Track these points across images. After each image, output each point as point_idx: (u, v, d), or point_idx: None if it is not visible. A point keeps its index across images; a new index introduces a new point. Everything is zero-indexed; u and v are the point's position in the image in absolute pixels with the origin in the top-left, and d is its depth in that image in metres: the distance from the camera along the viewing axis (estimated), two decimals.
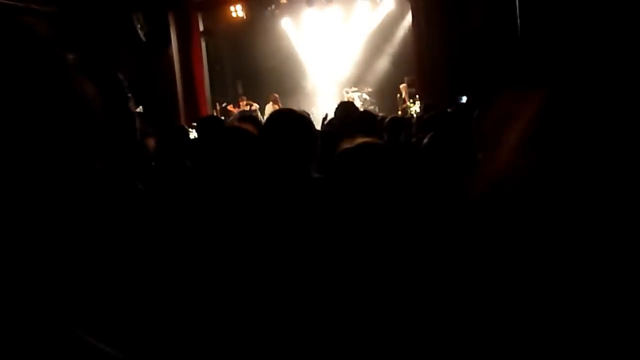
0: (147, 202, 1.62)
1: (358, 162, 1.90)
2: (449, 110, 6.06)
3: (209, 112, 14.63)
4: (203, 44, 14.66)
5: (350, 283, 1.71)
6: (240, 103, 15.22)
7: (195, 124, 12.52)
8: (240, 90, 17.69)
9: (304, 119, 2.14)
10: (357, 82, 17.07)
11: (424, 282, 1.81)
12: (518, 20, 8.74)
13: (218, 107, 15.28)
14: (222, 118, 14.35)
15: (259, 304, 1.67)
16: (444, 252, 1.90)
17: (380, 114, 9.73)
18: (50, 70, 0.64)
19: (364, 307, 1.70)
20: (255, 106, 15.02)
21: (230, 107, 15.29)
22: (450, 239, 2.01)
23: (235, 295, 1.68)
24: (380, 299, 1.73)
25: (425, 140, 3.06)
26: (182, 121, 12.79)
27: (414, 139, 5.20)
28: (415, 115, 12.94)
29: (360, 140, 1.96)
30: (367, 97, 16.13)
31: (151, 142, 3.98)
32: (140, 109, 8.32)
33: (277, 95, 14.35)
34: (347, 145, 1.96)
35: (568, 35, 7.38)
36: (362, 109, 15.06)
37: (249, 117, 6.09)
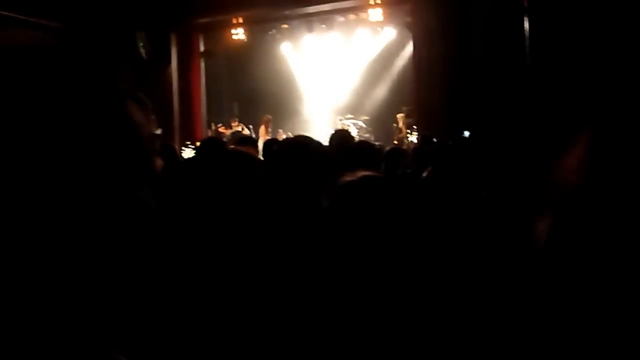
0: (158, 222, 1.66)
1: (360, 194, 1.89)
2: (449, 143, 6.07)
3: (204, 132, 14.66)
4: (202, 65, 14.74)
5: (355, 313, 1.73)
6: (232, 124, 15.26)
7: (188, 142, 12.62)
8: (236, 112, 17.73)
9: (319, 147, 2.16)
10: (354, 109, 17.13)
11: (427, 312, 1.84)
12: (527, 50, 8.71)
13: (213, 127, 15.32)
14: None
15: (263, 335, 1.67)
16: (445, 284, 1.96)
17: (377, 143, 9.79)
18: (111, 100, 0.74)
19: (368, 339, 1.71)
20: (246, 130, 15.06)
21: (222, 129, 15.31)
22: (452, 272, 2.05)
23: (238, 325, 1.67)
24: (383, 331, 1.74)
25: (424, 174, 3.07)
26: (177, 140, 12.80)
27: (410, 170, 5.21)
28: (411, 146, 13.05)
29: (361, 173, 1.96)
30: (363, 125, 16.18)
31: (159, 162, 3.96)
32: (160, 131, 8.40)
33: (269, 117, 14.36)
34: (348, 177, 1.95)
35: (580, 67, 7.39)
36: (357, 137, 15.22)
37: (248, 139, 6.11)
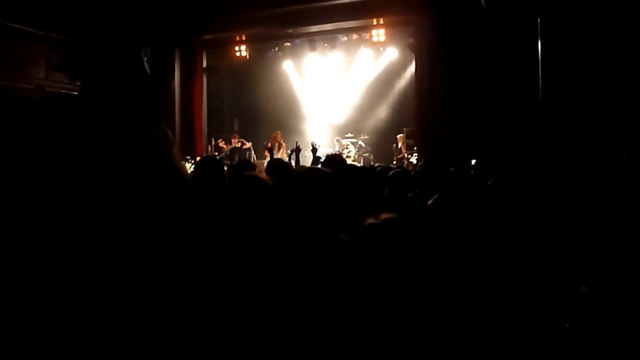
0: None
1: (385, 237, 1.98)
2: (454, 170, 6.02)
3: (204, 147, 14.63)
4: (204, 80, 14.75)
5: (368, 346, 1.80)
6: (233, 140, 15.25)
7: (188, 157, 12.58)
8: (236, 128, 17.76)
9: (332, 178, 2.18)
10: (355, 128, 17.13)
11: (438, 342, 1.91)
12: (540, 74, 8.62)
13: (213, 143, 15.31)
14: (216, 154, 14.43)
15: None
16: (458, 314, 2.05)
17: (377, 164, 9.75)
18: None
19: None
20: (248, 144, 15.06)
21: (221, 144, 15.32)
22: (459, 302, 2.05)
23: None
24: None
25: (430, 202, 3.01)
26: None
27: (411, 194, 5.16)
28: (409, 166, 13.02)
29: (385, 215, 2.06)
30: (363, 145, 16.18)
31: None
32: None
33: (279, 133, 14.32)
34: (372, 220, 2.05)
35: (595, 93, 7.33)
36: (356, 156, 15.17)
37: (250, 164, 6.05)
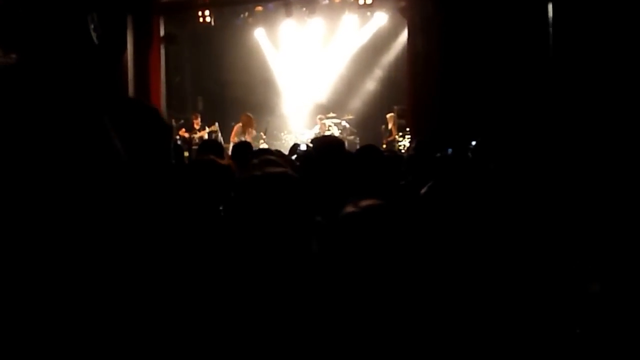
0: None
1: (365, 226, 2.02)
2: (449, 151, 6.06)
3: None
4: (162, 51, 14.62)
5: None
6: (194, 122, 15.18)
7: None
8: (200, 107, 17.65)
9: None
10: (337, 107, 17.15)
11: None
12: (550, 42, 8.61)
13: (174, 124, 15.21)
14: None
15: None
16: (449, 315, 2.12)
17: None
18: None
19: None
20: (215, 126, 15.01)
21: (182, 132, 15.18)
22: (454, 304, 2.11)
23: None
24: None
25: (423, 190, 3.04)
26: None
27: (404, 182, 5.18)
28: (401, 150, 13.07)
29: (364, 203, 2.11)
30: (347, 126, 16.19)
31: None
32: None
33: (250, 116, 14.30)
34: (351, 208, 2.09)
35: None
36: (339, 138, 15.18)
37: (212, 145, 6.06)
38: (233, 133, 13.89)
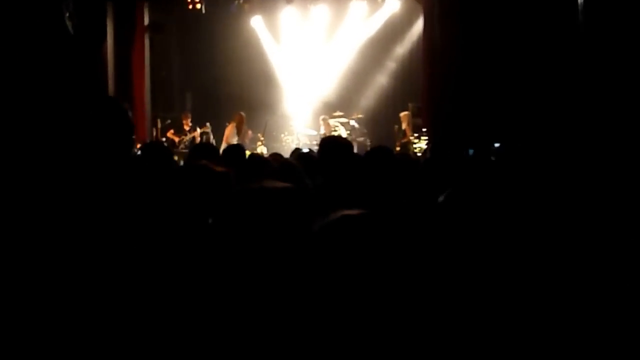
0: None
1: (339, 238, 2.04)
2: (470, 152, 6.06)
3: (147, 131, 14.55)
4: (147, 42, 14.65)
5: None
6: (184, 121, 15.15)
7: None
8: (189, 105, 17.64)
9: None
10: (345, 105, 17.18)
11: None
12: (581, 33, 8.53)
13: (159, 125, 15.21)
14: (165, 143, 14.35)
15: None
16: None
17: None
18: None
19: None
20: (207, 127, 14.99)
21: (170, 134, 15.15)
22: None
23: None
24: None
25: (440, 198, 3.03)
26: None
27: (420, 189, 5.17)
28: (418, 153, 13.04)
29: (345, 212, 2.11)
30: (356, 126, 16.16)
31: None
32: None
33: (243, 116, 14.30)
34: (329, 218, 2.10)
35: None
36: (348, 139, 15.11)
37: (211, 148, 6.09)
38: (226, 134, 13.90)
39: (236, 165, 5.27)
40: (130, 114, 2.57)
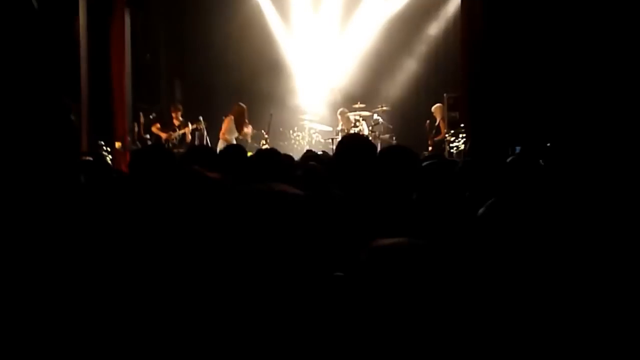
0: None
1: (393, 265, 2.15)
2: (517, 150, 6.01)
3: (127, 127, 14.52)
4: (127, 20, 14.68)
5: None
6: (173, 115, 15.11)
7: (102, 143, 12.52)
8: (178, 95, 17.65)
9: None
10: (367, 96, 17.12)
11: None
12: None
13: (142, 120, 15.18)
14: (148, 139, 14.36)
15: None
16: None
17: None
18: None
19: None
20: (200, 123, 14.95)
21: (156, 129, 15.11)
22: None
23: None
24: None
25: (481, 210, 2.99)
26: (85, 138, 12.68)
27: (455, 195, 5.13)
28: (453, 154, 12.99)
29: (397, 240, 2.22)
30: (380, 121, 16.10)
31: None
32: None
33: (244, 107, 14.29)
34: (382, 241, 2.21)
35: None
36: (370, 136, 15.09)
37: (208, 151, 6.07)
38: (222, 131, 13.89)
39: (235, 169, 5.25)
40: (72, 116, 2.65)
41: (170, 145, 14.51)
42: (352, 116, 15.79)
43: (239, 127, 13.79)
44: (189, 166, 3.65)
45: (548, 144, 5.13)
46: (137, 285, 2.42)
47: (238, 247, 2.32)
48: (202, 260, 2.49)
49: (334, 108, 16.76)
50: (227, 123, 13.90)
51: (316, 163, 5.73)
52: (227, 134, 13.67)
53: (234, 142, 13.26)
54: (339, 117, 15.87)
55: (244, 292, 2.26)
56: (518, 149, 5.97)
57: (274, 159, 5.58)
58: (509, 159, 5.13)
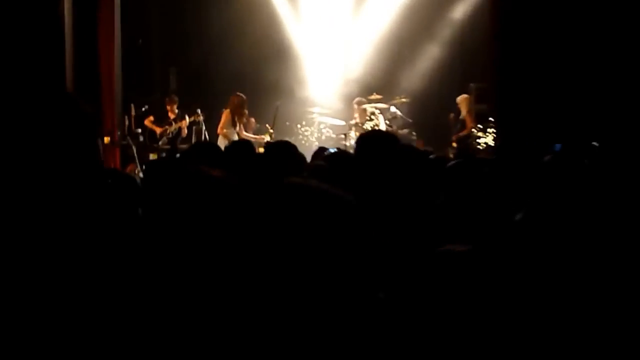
0: None
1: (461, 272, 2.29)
2: (556, 148, 5.99)
3: (117, 120, 14.54)
4: (117, 1, 14.70)
5: None
6: (169, 108, 15.09)
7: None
8: (173, 85, 17.65)
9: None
10: (384, 86, 17.13)
11: None
12: None
13: (133, 112, 15.16)
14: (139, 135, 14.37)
15: None
16: None
17: (425, 149, 9.67)
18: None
19: None
20: (198, 115, 14.93)
21: (149, 122, 15.07)
22: None
23: None
24: None
25: (517, 217, 2.99)
26: None
27: (485, 198, 5.11)
28: (480, 151, 12.96)
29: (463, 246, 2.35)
30: (398, 113, 16.05)
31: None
32: None
33: (243, 98, 14.28)
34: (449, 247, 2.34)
35: None
36: (387, 130, 15.04)
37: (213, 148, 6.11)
38: (221, 123, 13.88)
39: (244, 167, 5.25)
40: (89, 112, 2.65)
41: (165, 139, 14.53)
42: (367, 108, 15.71)
43: (237, 119, 13.77)
44: (196, 168, 3.71)
45: (594, 143, 5.08)
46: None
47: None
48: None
49: (348, 100, 16.71)
50: (225, 117, 13.88)
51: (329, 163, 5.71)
52: (225, 128, 13.66)
53: (235, 137, 13.22)
54: (355, 107, 15.79)
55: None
56: (558, 147, 5.92)
57: (289, 153, 5.58)
58: (546, 158, 5.12)
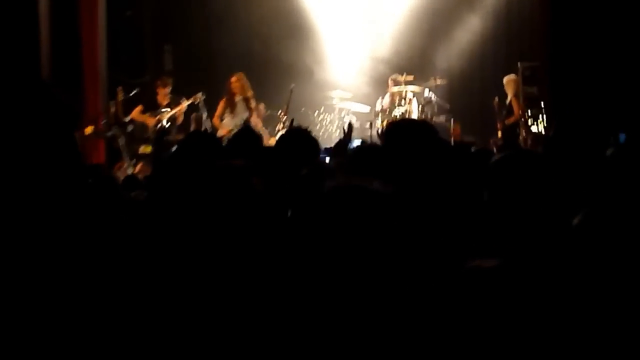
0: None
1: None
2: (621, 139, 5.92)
3: (102, 105, 14.57)
4: None
5: None
6: (159, 91, 14.93)
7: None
8: (168, 65, 17.67)
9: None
10: (418, 66, 17.20)
11: None
12: None
13: (120, 97, 15.08)
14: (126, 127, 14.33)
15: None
16: None
17: (466, 139, 9.62)
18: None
19: None
20: (199, 96, 14.79)
21: (137, 114, 14.83)
22: None
23: None
24: None
25: (576, 220, 2.95)
26: None
27: (536, 196, 5.05)
28: (531, 142, 12.93)
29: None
30: (434, 98, 16.11)
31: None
32: None
33: (240, 78, 14.27)
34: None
35: None
36: (422, 117, 15.07)
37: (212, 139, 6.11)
38: (219, 109, 13.91)
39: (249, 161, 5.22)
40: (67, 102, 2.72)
41: (158, 128, 14.41)
42: (399, 90, 15.77)
43: (231, 103, 13.80)
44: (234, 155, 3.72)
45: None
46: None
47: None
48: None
49: (374, 83, 16.74)
50: (223, 102, 13.96)
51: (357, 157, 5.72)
52: (223, 114, 13.73)
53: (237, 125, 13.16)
54: (390, 83, 15.84)
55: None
56: (623, 137, 5.85)
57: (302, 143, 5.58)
58: (609, 151, 5.07)
